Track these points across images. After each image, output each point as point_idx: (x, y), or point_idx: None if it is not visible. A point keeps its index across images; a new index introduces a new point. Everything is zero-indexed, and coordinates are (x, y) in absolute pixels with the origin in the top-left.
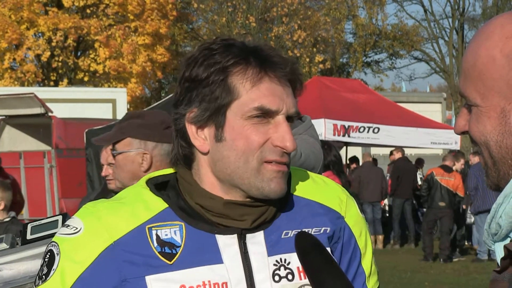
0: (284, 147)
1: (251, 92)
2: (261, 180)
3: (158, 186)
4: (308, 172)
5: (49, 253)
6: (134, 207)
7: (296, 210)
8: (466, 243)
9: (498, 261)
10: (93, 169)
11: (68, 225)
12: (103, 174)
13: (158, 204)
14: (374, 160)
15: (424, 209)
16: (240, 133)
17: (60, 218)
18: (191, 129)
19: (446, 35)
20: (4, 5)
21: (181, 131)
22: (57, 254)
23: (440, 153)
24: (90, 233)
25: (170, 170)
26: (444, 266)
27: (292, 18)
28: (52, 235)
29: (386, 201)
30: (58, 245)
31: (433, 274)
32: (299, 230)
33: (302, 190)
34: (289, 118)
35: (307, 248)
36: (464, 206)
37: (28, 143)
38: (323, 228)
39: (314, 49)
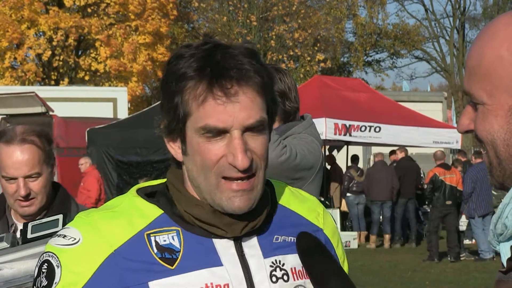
0: (235, 165)
1: (198, 110)
2: (220, 198)
3: (147, 195)
4: (286, 185)
5: (46, 264)
6: (130, 215)
7: (283, 219)
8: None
9: (504, 261)
10: None
11: (65, 236)
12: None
13: (153, 211)
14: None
15: (423, 208)
16: (197, 149)
17: (60, 217)
18: (166, 139)
19: (447, 34)
20: (4, 4)
21: (162, 138)
22: (57, 266)
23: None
24: (89, 243)
25: (158, 181)
26: (444, 265)
27: (293, 17)
28: (53, 234)
29: None
30: (57, 257)
31: (433, 273)
32: (287, 237)
33: (286, 200)
34: (254, 128)
35: (309, 248)
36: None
37: None
38: None
39: (315, 48)
